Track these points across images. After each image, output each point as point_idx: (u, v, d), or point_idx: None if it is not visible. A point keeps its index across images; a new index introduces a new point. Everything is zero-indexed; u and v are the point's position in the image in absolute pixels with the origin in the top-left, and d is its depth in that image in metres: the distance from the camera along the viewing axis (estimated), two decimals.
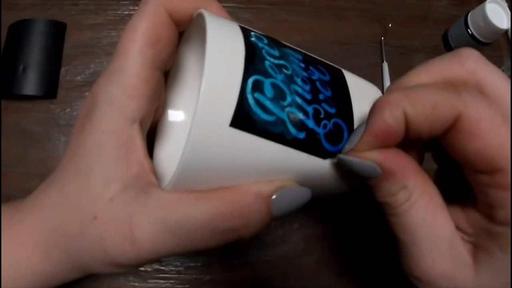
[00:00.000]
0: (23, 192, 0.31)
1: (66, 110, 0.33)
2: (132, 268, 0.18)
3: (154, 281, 0.30)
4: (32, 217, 0.17)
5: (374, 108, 0.16)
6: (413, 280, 0.18)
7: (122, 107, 0.17)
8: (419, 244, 0.17)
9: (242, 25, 0.18)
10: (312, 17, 0.36)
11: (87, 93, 0.33)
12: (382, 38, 0.36)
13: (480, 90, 0.16)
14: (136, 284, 0.30)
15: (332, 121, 0.18)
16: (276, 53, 0.18)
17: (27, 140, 0.32)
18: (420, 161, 0.19)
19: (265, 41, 0.18)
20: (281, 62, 0.17)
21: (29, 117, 0.33)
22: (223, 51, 0.16)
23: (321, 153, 0.18)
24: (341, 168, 0.19)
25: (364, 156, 0.17)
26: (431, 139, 0.17)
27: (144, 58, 0.17)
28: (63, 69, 0.34)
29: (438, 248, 0.17)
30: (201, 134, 0.15)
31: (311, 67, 0.19)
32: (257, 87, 0.16)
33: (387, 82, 0.35)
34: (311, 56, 0.20)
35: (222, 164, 0.16)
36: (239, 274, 0.31)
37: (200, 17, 0.17)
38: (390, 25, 0.37)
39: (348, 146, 0.17)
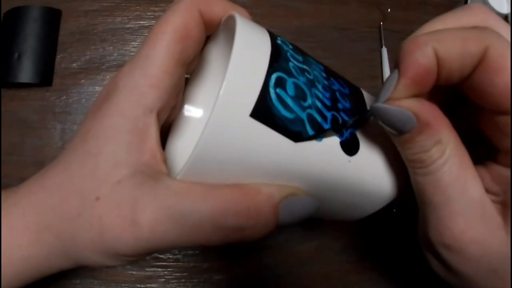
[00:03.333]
0: (19, 180, 0.29)
1: (62, 98, 0.33)
2: (124, 260, 0.17)
3: (152, 269, 0.30)
4: (27, 199, 0.17)
5: (404, 52, 0.16)
6: (441, 249, 0.17)
7: (143, 94, 0.17)
8: (452, 205, 0.16)
9: (269, 30, 0.18)
10: (310, 2, 0.36)
11: (82, 80, 0.33)
12: (381, 23, 0.36)
13: None
14: (134, 272, 0.30)
15: (349, 131, 0.18)
16: (300, 58, 0.18)
17: (23, 128, 0.32)
18: None
19: (290, 46, 0.18)
20: (304, 66, 0.18)
21: (24, 105, 0.32)
22: (250, 44, 0.16)
23: (336, 158, 0.18)
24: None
25: (401, 104, 0.16)
26: (460, 80, 0.16)
27: (171, 51, 0.17)
28: (58, 56, 0.33)
29: (470, 209, 0.16)
30: (221, 119, 0.15)
31: (332, 78, 0.19)
32: (280, 83, 0.16)
33: (386, 68, 0.35)
34: (333, 70, 0.21)
35: (236, 157, 0.16)
36: (237, 262, 0.31)
37: (231, 18, 0.18)
38: (389, 10, 0.37)
39: (383, 95, 0.17)
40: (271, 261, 0.31)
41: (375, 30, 0.36)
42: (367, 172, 0.19)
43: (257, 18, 0.35)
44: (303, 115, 0.16)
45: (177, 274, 0.30)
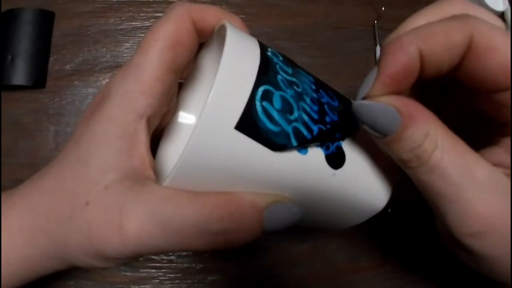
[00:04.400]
0: (14, 183, 0.30)
1: (55, 100, 0.33)
2: (115, 263, 0.17)
3: (145, 270, 0.30)
4: (23, 202, 0.18)
5: (386, 51, 0.16)
6: (469, 240, 0.16)
7: (134, 101, 0.17)
8: (465, 192, 0.16)
9: (260, 41, 0.19)
10: (304, 1, 0.36)
11: (76, 82, 0.33)
12: (376, 22, 0.36)
13: None
14: (128, 274, 0.30)
15: (335, 144, 0.18)
16: (290, 70, 0.18)
17: (16, 131, 0.32)
18: None
19: (280, 58, 0.18)
20: (293, 79, 0.18)
21: (18, 107, 0.32)
22: (239, 56, 0.16)
23: (321, 171, 0.18)
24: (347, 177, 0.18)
25: (380, 100, 0.16)
26: (449, 70, 0.16)
27: (162, 58, 0.17)
28: (51, 58, 0.33)
29: (485, 190, 0.16)
30: (205, 131, 0.15)
31: (321, 90, 0.19)
32: (267, 96, 0.16)
33: None
34: (323, 82, 0.21)
35: (221, 166, 0.16)
36: (232, 262, 0.31)
37: (222, 27, 0.18)
38: (383, 8, 0.36)
39: (361, 92, 0.17)
40: (265, 261, 0.31)
41: (369, 29, 0.36)
42: (352, 186, 0.19)
43: (251, 18, 0.35)
44: (289, 129, 0.16)
45: (171, 275, 0.30)
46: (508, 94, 0.16)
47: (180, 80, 0.22)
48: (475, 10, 0.17)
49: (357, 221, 0.22)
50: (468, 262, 0.18)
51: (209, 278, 0.30)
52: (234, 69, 0.16)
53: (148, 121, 0.18)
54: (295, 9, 0.35)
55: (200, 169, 0.16)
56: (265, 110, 0.16)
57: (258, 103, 0.16)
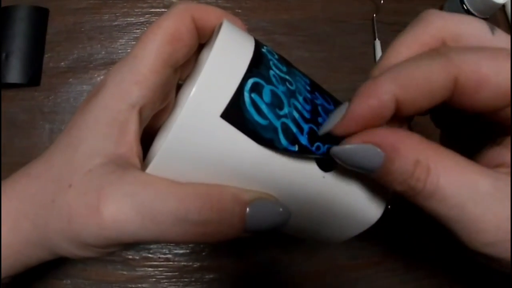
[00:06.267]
0: None
1: (50, 97, 0.32)
2: (94, 252, 0.17)
3: (142, 269, 0.30)
4: (11, 187, 0.18)
5: (361, 91, 0.15)
6: (488, 250, 0.16)
7: (127, 90, 0.17)
8: (470, 209, 0.15)
9: (258, 40, 0.18)
10: None
11: (70, 79, 0.32)
12: (374, 15, 0.35)
13: (457, 40, 0.16)
14: (125, 272, 0.30)
15: (326, 146, 0.17)
16: (284, 68, 0.18)
17: (11, 129, 0.32)
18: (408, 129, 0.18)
19: (276, 56, 0.18)
20: (287, 77, 0.18)
21: (13, 105, 0.32)
22: (231, 47, 0.16)
23: (309, 172, 0.17)
24: (334, 184, 0.18)
25: (357, 141, 0.16)
26: (430, 109, 0.16)
27: (160, 52, 0.18)
28: (46, 56, 0.33)
29: (489, 201, 0.15)
30: (190, 117, 0.15)
31: (317, 93, 0.19)
32: (256, 88, 0.16)
33: None
34: (321, 87, 0.20)
35: (205, 156, 0.16)
36: (229, 261, 0.31)
37: (220, 27, 0.18)
38: (382, 1, 0.36)
39: (326, 128, 0.16)
40: (263, 260, 0.31)
41: (368, 23, 0.35)
42: (343, 191, 0.18)
43: (247, 12, 0.34)
44: (277, 123, 0.16)
45: (168, 273, 0.30)
46: (506, 112, 0.15)
47: (180, 81, 0.22)
48: (455, 23, 0.17)
49: (349, 233, 0.20)
50: (499, 268, 0.17)
51: (206, 276, 0.30)
52: (224, 58, 0.16)
53: (141, 112, 0.18)
54: (292, 3, 0.35)
55: (184, 157, 0.16)
56: (253, 102, 0.16)
57: (246, 94, 0.15)
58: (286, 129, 0.16)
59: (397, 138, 0.15)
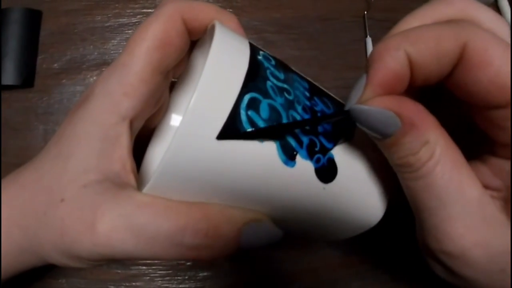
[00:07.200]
0: None
1: (44, 99, 0.33)
2: (86, 263, 0.17)
3: (136, 267, 0.30)
4: (2, 195, 0.17)
5: (373, 56, 0.15)
6: (442, 257, 0.16)
7: (116, 103, 0.16)
8: (448, 208, 0.15)
9: (253, 43, 0.17)
10: None
11: (64, 81, 0.33)
12: (366, 12, 0.35)
13: None
14: (119, 271, 0.30)
15: (327, 156, 0.17)
16: (281, 76, 0.17)
17: (6, 130, 0.32)
18: None
19: (273, 62, 0.17)
20: (284, 85, 0.17)
21: (7, 106, 0.32)
22: (225, 61, 0.15)
23: (310, 185, 0.17)
24: (335, 193, 0.17)
25: (381, 104, 0.15)
26: (439, 81, 0.16)
27: (149, 59, 0.17)
28: (39, 57, 0.33)
29: (469, 211, 0.15)
30: (184, 141, 0.14)
31: (316, 98, 0.18)
32: (253, 104, 0.15)
33: None
34: (319, 88, 0.19)
35: (202, 178, 0.15)
36: (222, 258, 0.31)
37: (213, 27, 0.17)
38: None
39: (353, 98, 0.16)
40: (257, 257, 0.31)
41: (359, 20, 0.35)
42: (344, 200, 0.18)
43: (238, 11, 0.34)
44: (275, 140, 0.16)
45: (162, 272, 0.30)
46: (499, 113, 0.15)
47: (173, 79, 0.22)
48: (475, 9, 0.16)
49: (350, 235, 0.21)
50: (441, 275, 0.18)
51: (200, 274, 0.30)
52: (218, 74, 0.15)
53: (132, 123, 0.17)
54: (283, 1, 0.35)
55: (180, 178, 0.15)
56: (250, 120, 0.15)
57: (243, 112, 0.15)
58: (284, 145, 0.16)
59: (417, 114, 0.15)
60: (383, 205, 0.20)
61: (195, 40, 0.20)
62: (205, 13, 0.18)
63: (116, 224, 0.15)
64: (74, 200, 0.16)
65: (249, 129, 0.15)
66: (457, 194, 0.15)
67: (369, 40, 0.35)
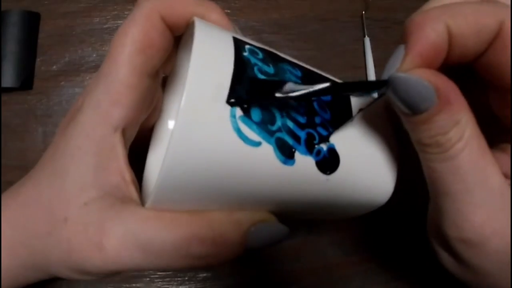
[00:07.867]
0: (4, 184, 0.30)
1: (43, 101, 0.33)
2: (96, 276, 0.17)
3: None
4: (3, 214, 0.17)
5: (412, 27, 0.15)
6: (458, 245, 0.16)
7: (106, 114, 0.16)
8: (473, 195, 0.15)
9: (237, 36, 0.17)
10: None
11: (62, 83, 0.33)
12: (364, 12, 0.35)
13: None
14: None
15: (327, 147, 0.17)
16: (271, 70, 0.16)
17: (5, 132, 0.32)
18: None
19: (260, 55, 0.17)
20: (275, 80, 0.16)
21: (6, 109, 0.32)
22: (208, 68, 0.15)
23: (312, 179, 0.17)
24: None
25: (422, 75, 0.14)
26: (474, 58, 0.15)
27: (132, 64, 0.16)
28: (38, 60, 0.33)
29: (491, 199, 0.15)
30: (177, 157, 0.14)
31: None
32: (243, 110, 0.15)
33: (369, 58, 0.34)
34: (314, 72, 0.19)
35: (201, 188, 0.15)
36: None
37: (193, 25, 0.16)
38: None
39: (390, 68, 0.15)
40: (256, 257, 0.31)
41: (357, 20, 0.36)
42: (350, 185, 0.18)
43: (236, 12, 0.34)
44: (271, 141, 0.15)
45: (162, 272, 0.30)
46: None
47: (164, 74, 0.21)
48: None
49: (356, 214, 0.21)
50: (448, 266, 0.17)
51: (200, 275, 0.30)
52: (202, 85, 0.14)
53: (124, 132, 0.17)
54: (281, 2, 0.35)
55: (178, 191, 0.15)
56: (242, 127, 0.15)
57: (233, 120, 0.14)
58: (281, 145, 0.15)
59: (454, 92, 0.15)
60: (392, 180, 0.19)
61: (180, 35, 0.19)
62: (183, 7, 0.17)
63: (124, 242, 0.15)
64: (77, 219, 0.16)
65: (243, 137, 0.15)
66: (482, 180, 0.15)
67: (367, 40, 0.35)
